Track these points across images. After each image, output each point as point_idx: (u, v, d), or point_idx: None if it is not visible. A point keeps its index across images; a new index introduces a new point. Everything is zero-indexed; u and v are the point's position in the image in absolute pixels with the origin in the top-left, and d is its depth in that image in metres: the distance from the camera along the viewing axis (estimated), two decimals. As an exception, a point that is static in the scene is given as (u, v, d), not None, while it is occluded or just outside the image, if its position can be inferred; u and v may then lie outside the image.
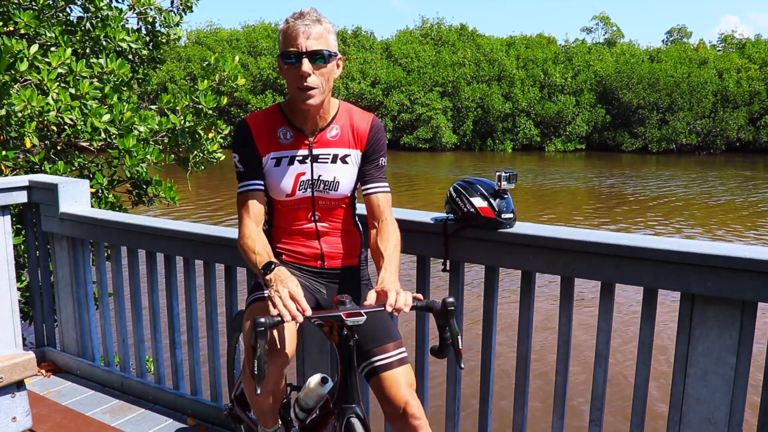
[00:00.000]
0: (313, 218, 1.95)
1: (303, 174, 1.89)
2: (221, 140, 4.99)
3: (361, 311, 1.60)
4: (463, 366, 1.68)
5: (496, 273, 2.20)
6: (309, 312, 1.57)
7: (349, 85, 35.92)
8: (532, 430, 2.29)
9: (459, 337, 1.65)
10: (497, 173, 2.09)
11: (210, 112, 4.69)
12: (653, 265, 1.86)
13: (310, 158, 1.90)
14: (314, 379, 1.90)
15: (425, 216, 2.25)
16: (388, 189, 1.96)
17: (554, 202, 19.15)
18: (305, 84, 1.77)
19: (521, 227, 2.11)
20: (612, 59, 38.96)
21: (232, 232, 2.66)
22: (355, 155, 1.93)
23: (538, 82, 37.60)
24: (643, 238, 1.95)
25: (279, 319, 1.54)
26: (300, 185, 1.90)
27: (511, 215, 2.08)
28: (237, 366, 2.45)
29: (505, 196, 2.10)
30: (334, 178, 1.90)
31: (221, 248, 2.65)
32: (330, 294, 1.98)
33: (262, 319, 1.51)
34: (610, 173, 26.29)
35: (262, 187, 1.91)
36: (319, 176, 1.90)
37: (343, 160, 1.91)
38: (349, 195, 1.96)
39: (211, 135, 4.86)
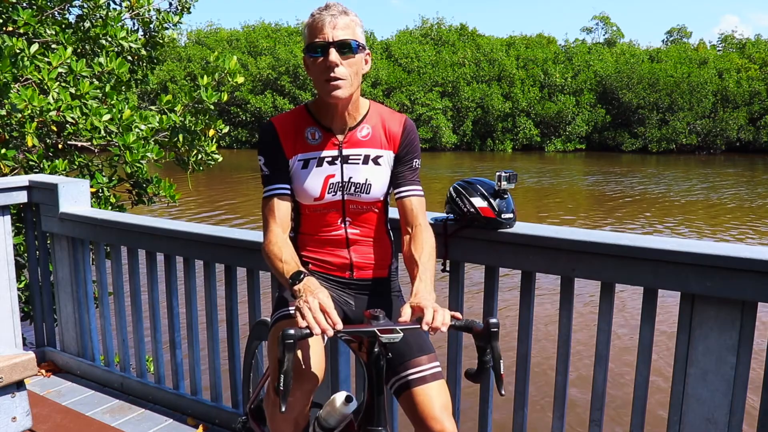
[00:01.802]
0: (343, 224, 1.84)
1: (332, 176, 1.79)
2: (221, 141, 4.99)
3: (397, 328, 1.48)
4: (503, 393, 1.54)
5: (496, 273, 2.20)
6: (340, 325, 1.46)
7: (349, 85, 35.91)
8: (532, 430, 2.29)
9: (501, 360, 1.51)
10: (497, 173, 2.08)
11: (212, 107, 4.69)
12: (653, 265, 1.85)
13: (339, 159, 1.79)
14: (338, 398, 1.77)
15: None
16: (422, 192, 1.86)
17: (554, 202, 19.15)
18: (333, 75, 1.67)
19: (521, 227, 2.11)
20: (612, 59, 39.00)
21: (231, 232, 2.66)
22: (387, 156, 1.83)
23: (538, 82, 37.64)
24: (643, 238, 1.95)
25: (308, 331, 1.43)
26: (329, 188, 1.79)
27: (511, 215, 2.08)
28: (255, 376, 2.41)
29: (505, 196, 2.10)
30: (366, 180, 1.80)
31: (221, 248, 2.65)
32: (359, 306, 1.89)
33: (291, 331, 1.41)
34: (610, 173, 26.29)
35: (289, 191, 1.80)
36: (350, 178, 1.80)
37: (375, 161, 1.82)
38: (381, 199, 1.86)
39: (211, 134, 4.86)
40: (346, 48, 1.68)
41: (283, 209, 1.79)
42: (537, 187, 21.88)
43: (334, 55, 1.67)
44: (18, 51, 3.89)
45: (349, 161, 1.80)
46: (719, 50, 41.74)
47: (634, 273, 1.90)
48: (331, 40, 1.67)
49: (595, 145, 37.13)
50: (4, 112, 3.87)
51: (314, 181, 1.79)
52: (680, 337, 1.88)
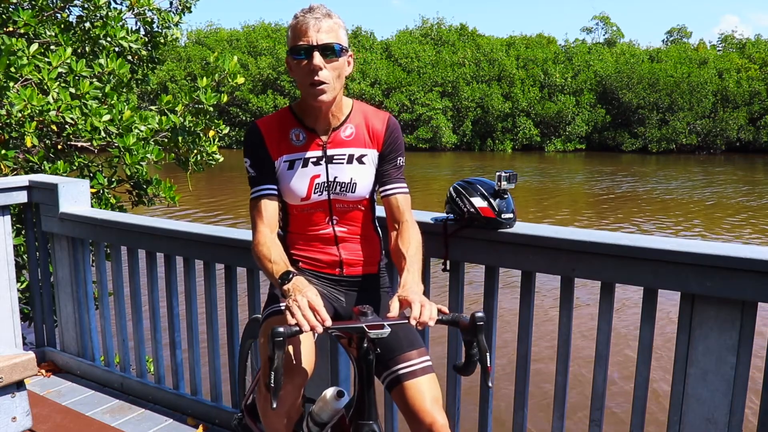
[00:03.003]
0: (330, 222, 1.87)
1: (318, 176, 1.82)
2: (220, 142, 4.99)
3: (385, 323, 1.50)
4: (491, 384, 1.57)
5: (496, 273, 2.20)
6: (329, 322, 1.49)
7: (349, 86, 35.94)
8: (533, 430, 2.29)
9: (488, 354, 1.54)
10: (497, 173, 2.08)
11: (210, 109, 4.69)
12: (653, 265, 1.85)
13: (324, 159, 1.82)
14: (330, 392, 1.81)
15: (425, 216, 2.25)
16: (407, 190, 1.89)
17: (554, 202, 19.15)
18: (317, 78, 1.69)
19: (521, 227, 2.11)
20: (612, 59, 38.99)
21: (231, 232, 2.66)
22: (372, 155, 1.86)
23: (538, 82, 37.63)
24: (643, 238, 1.95)
25: (297, 329, 1.45)
26: (315, 188, 1.82)
27: (511, 215, 2.08)
28: (250, 374, 2.41)
29: (505, 196, 2.09)
30: (351, 179, 1.83)
31: (221, 248, 2.65)
32: (349, 302, 1.91)
33: (281, 329, 1.42)
34: (610, 173, 26.28)
35: (275, 192, 1.85)
36: (335, 178, 1.82)
37: (360, 160, 1.84)
38: (367, 197, 1.89)
39: (211, 134, 4.86)
40: (330, 51, 1.70)
41: (270, 210, 1.83)
42: (537, 187, 21.88)
43: (317, 58, 1.68)
44: (16, 50, 3.89)
45: (334, 161, 1.83)
46: (719, 50, 41.73)
47: (634, 273, 1.90)
48: (315, 43, 1.68)
49: (595, 145, 37.11)
50: (3, 112, 3.87)
51: (300, 182, 1.82)
52: (680, 337, 1.88)
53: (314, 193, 1.83)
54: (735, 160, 32.22)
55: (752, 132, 35.13)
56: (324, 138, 1.83)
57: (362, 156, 1.85)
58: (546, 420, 2.36)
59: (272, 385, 1.43)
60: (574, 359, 2.42)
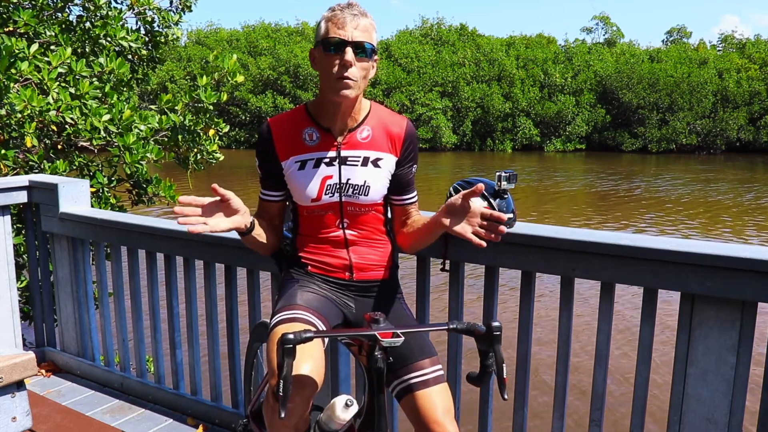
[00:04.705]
0: (341, 225, 1.84)
1: (330, 177, 1.79)
2: (219, 142, 5.00)
3: (398, 331, 1.47)
4: (506, 397, 1.51)
5: (496, 273, 2.20)
6: (230, 195, 1.70)
7: (349, 85, 35.89)
8: (532, 430, 2.29)
9: (504, 364, 1.49)
10: (497, 173, 2.08)
11: (210, 107, 4.69)
12: (653, 265, 1.85)
13: (338, 160, 1.79)
14: (338, 402, 1.74)
15: (425, 216, 2.24)
16: (417, 198, 1.93)
17: (553, 202, 19.15)
18: (345, 74, 1.67)
19: (521, 227, 2.10)
20: (612, 59, 39.02)
21: (232, 232, 2.65)
22: (388, 159, 1.83)
23: (538, 82, 37.65)
24: (643, 238, 1.95)
25: (309, 335, 1.41)
26: (326, 189, 1.79)
27: (511, 215, 2.08)
28: (256, 378, 2.41)
29: (505, 196, 2.09)
30: (365, 182, 1.80)
31: (221, 248, 2.65)
32: (359, 309, 1.88)
33: (291, 336, 1.39)
34: (610, 173, 26.28)
35: (276, 198, 1.88)
36: (348, 180, 1.79)
37: (375, 163, 1.81)
38: (380, 201, 1.87)
39: (211, 133, 4.86)
40: (362, 50, 1.68)
41: (266, 214, 1.91)
42: (537, 188, 21.88)
43: (350, 54, 1.66)
44: (17, 51, 3.89)
45: (348, 163, 1.80)
46: (719, 50, 41.76)
47: (634, 273, 1.90)
48: (350, 39, 1.66)
49: (595, 145, 37.13)
50: (3, 112, 3.87)
51: (311, 183, 1.79)
52: (680, 337, 1.87)
53: (325, 194, 1.80)
54: (735, 160, 32.22)
55: (752, 132, 35.14)
56: (339, 139, 1.80)
57: (378, 159, 1.82)
58: (546, 420, 2.36)
59: (281, 394, 1.39)
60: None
